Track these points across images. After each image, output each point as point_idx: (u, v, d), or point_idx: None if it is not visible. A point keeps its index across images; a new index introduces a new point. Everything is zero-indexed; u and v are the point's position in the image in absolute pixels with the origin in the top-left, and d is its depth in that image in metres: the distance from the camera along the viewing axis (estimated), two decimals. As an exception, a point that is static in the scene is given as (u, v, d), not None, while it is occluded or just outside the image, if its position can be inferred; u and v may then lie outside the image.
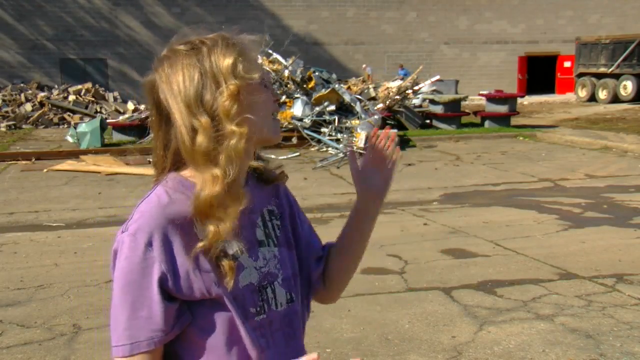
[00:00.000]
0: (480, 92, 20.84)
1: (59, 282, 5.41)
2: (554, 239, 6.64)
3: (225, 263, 1.21)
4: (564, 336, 4.23)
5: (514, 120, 17.59)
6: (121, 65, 26.46)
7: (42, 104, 19.86)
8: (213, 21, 26.52)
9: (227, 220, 1.20)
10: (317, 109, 14.12)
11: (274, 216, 1.39)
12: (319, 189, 9.62)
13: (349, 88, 16.64)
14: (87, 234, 7.10)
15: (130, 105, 19.40)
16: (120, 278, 1.18)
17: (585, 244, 6.44)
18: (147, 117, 15.02)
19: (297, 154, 12.91)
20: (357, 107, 14.33)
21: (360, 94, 16.10)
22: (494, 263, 5.84)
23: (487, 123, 17.24)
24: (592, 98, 26.40)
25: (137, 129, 15.03)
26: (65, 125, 18.37)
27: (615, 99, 25.36)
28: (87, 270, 5.70)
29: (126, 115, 16.90)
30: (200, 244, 1.20)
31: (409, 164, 11.88)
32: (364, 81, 19.08)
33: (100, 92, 21.68)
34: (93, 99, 20.77)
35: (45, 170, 11.36)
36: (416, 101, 17.42)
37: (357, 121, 13.73)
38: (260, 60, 1.33)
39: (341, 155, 12.29)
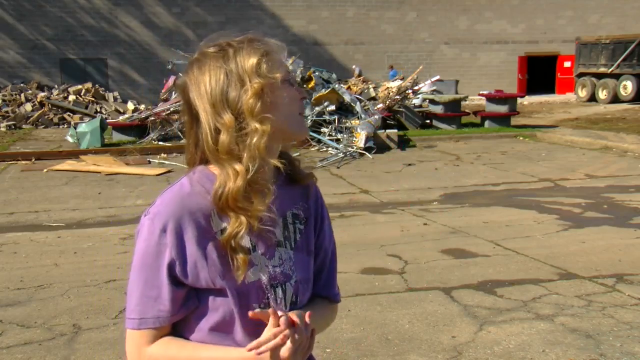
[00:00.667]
0: (480, 92, 20.84)
1: (59, 282, 5.41)
2: (554, 239, 6.64)
3: (240, 257, 1.27)
4: (564, 336, 4.22)
5: (514, 120, 17.58)
6: (121, 65, 26.46)
7: (42, 104, 19.85)
8: (213, 21, 26.53)
9: (250, 214, 1.26)
10: (317, 109, 14.11)
11: (298, 220, 1.41)
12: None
13: (349, 88, 16.63)
14: (87, 234, 7.07)
15: (130, 105, 19.40)
16: (138, 257, 1.28)
17: (585, 244, 6.44)
18: (147, 117, 15.07)
19: (297, 154, 12.88)
20: (357, 107, 14.32)
21: (360, 94, 16.10)
22: (494, 263, 5.84)
23: (487, 123, 17.22)
24: (592, 98, 26.38)
25: (137, 129, 15.02)
26: (65, 125, 18.36)
27: (615, 99, 25.34)
28: (87, 270, 5.70)
29: (126, 115, 16.89)
30: (225, 234, 1.25)
31: (409, 164, 11.88)
32: (364, 81, 19.06)
33: (100, 92, 21.68)
34: (93, 99, 20.77)
35: (45, 170, 11.36)
36: (416, 101, 17.41)
37: (357, 121, 13.74)
38: (285, 61, 1.38)
39: (341, 155, 12.28)
